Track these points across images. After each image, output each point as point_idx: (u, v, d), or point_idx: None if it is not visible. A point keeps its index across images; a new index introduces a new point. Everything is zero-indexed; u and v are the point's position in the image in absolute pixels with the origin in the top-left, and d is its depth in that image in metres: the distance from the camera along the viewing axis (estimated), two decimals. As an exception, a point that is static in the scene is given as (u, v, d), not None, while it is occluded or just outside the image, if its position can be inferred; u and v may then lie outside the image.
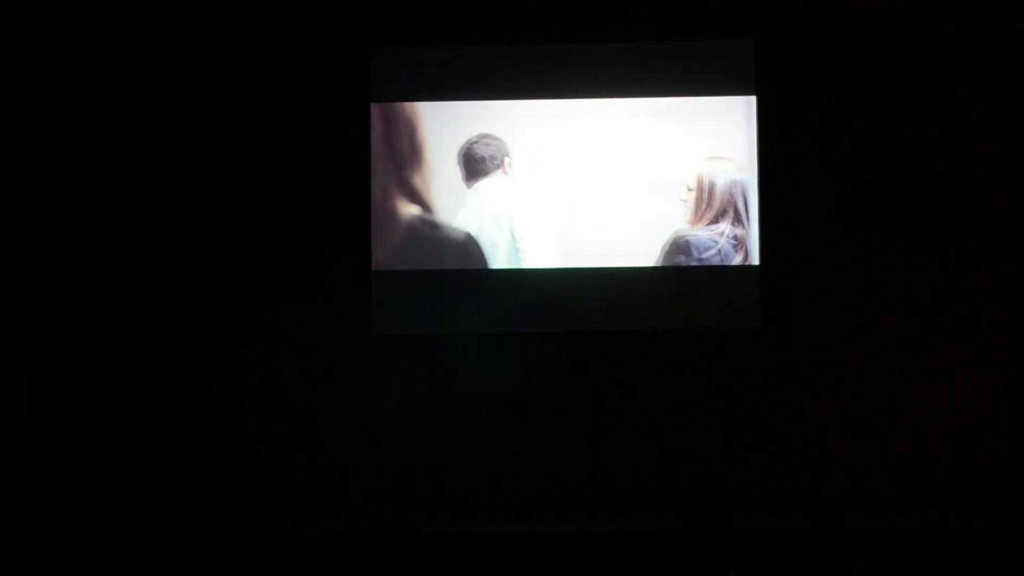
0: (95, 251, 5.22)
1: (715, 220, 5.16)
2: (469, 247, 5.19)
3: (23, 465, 5.15)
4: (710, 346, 5.21)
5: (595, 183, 5.19)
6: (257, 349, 5.23)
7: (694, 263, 5.15)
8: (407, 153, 5.22)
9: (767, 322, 5.15)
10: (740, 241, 5.14)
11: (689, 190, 5.19)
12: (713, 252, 5.15)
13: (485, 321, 5.20)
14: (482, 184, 5.20)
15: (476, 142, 5.20)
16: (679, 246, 5.16)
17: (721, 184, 5.15)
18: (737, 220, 5.14)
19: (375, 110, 5.22)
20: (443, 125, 5.20)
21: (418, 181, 5.21)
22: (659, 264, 5.16)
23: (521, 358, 5.20)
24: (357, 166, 5.21)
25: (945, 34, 5.14)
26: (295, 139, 5.24)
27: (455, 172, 5.21)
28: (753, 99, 5.13)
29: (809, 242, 5.19)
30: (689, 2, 5.19)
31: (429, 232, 5.21)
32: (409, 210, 5.21)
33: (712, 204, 5.15)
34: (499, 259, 5.20)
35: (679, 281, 5.15)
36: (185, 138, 5.24)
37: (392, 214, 5.22)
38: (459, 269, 5.20)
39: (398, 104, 5.22)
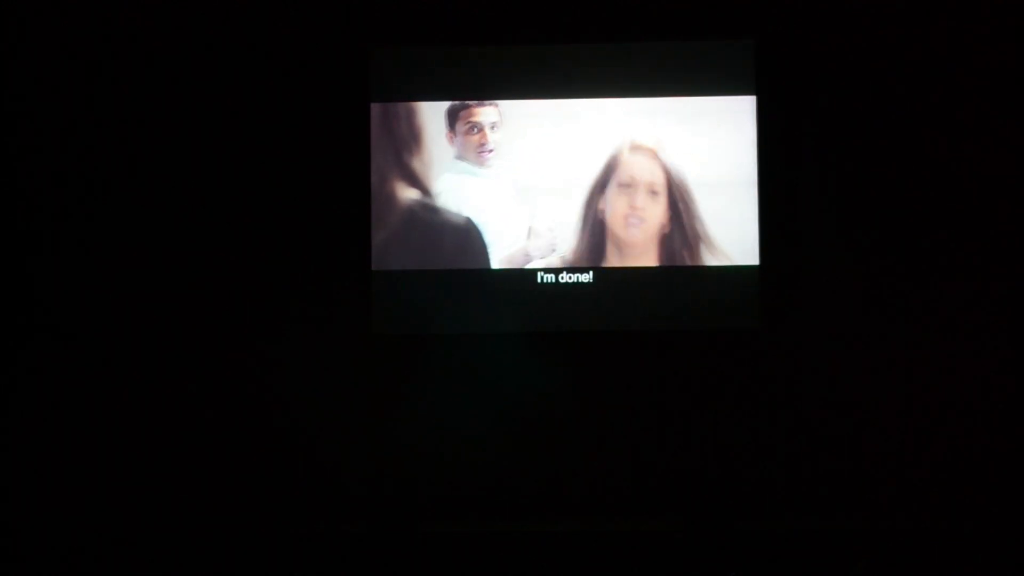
0: (93, 249, 5.21)
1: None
2: (470, 231, 5.18)
3: (23, 465, 5.15)
4: (710, 346, 5.21)
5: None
6: (255, 349, 5.22)
7: None
8: (406, 137, 5.21)
9: (767, 322, 5.15)
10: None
11: (653, 192, 5.17)
12: None
13: (485, 321, 5.19)
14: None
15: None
16: None
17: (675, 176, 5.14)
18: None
19: (375, 109, 5.22)
20: (442, 121, 5.20)
21: (417, 165, 5.20)
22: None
23: (521, 358, 5.20)
24: (357, 166, 5.21)
25: (945, 34, 5.15)
26: (295, 139, 5.23)
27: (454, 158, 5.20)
28: (755, 99, 5.13)
29: (809, 242, 5.19)
30: (689, 2, 5.19)
31: (428, 216, 5.20)
32: (408, 194, 5.20)
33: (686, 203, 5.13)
34: (500, 245, 5.18)
35: (679, 281, 5.15)
36: (184, 138, 5.23)
37: (391, 198, 5.20)
38: (459, 269, 5.20)
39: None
